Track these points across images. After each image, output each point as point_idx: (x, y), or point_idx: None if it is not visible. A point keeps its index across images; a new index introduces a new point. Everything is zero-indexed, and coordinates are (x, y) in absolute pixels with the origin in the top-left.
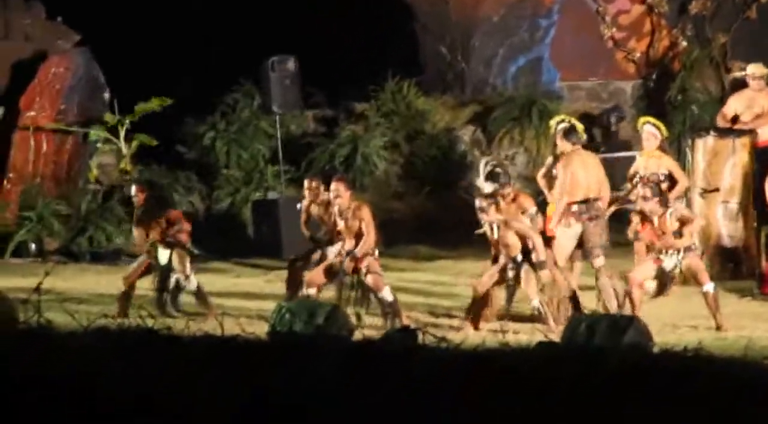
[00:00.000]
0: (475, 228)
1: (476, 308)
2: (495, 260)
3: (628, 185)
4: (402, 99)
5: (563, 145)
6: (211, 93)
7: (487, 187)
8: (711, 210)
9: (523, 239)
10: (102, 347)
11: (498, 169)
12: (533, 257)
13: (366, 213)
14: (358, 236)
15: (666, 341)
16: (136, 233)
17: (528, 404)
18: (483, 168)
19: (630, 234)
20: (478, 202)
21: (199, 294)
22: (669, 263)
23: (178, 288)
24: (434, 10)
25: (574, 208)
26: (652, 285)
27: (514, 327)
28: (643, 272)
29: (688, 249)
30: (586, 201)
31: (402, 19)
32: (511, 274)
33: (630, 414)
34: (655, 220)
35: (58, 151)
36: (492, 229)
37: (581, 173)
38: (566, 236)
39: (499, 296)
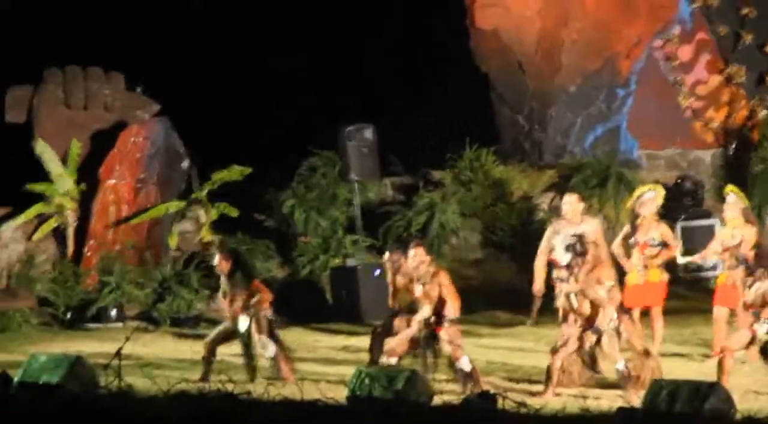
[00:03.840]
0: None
1: (553, 375)
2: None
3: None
4: (480, 167)
5: None
6: (289, 161)
7: (565, 258)
8: None
9: (596, 307)
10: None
11: (576, 241)
12: (597, 322)
13: (445, 278)
14: (435, 302)
15: (749, 408)
16: (222, 303)
17: None
18: (561, 240)
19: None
20: (555, 273)
21: (277, 362)
22: (762, 330)
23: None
24: (511, 79)
25: None
26: (741, 353)
27: (595, 393)
28: (739, 341)
29: None
30: None
31: (479, 89)
32: (590, 340)
33: None
34: (743, 289)
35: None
36: (569, 299)
37: None
38: None
39: (577, 362)
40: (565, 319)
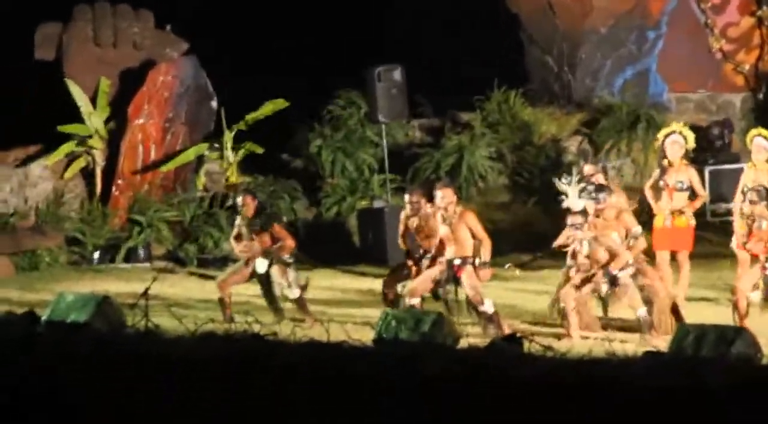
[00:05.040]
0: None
1: (569, 316)
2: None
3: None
4: (508, 109)
5: None
6: (317, 102)
7: (579, 205)
8: None
9: (613, 254)
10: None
11: (588, 187)
12: (611, 267)
13: (473, 219)
14: (460, 243)
15: None
16: (236, 243)
17: (633, 414)
18: (572, 187)
19: (738, 241)
20: (570, 220)
21: (300, 303)
22: None
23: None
24: (541, 20)
25: None
26: (756, 295)
27: (621, 336)
28: (749, 281)
29: None
30: None
31: (509, 29)
32: (605, 287)
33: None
34: (764, 224)
35: (167, 158)
36: (581, 245)
37: None
38: None
39: (592, 306)
40: (572, 258)
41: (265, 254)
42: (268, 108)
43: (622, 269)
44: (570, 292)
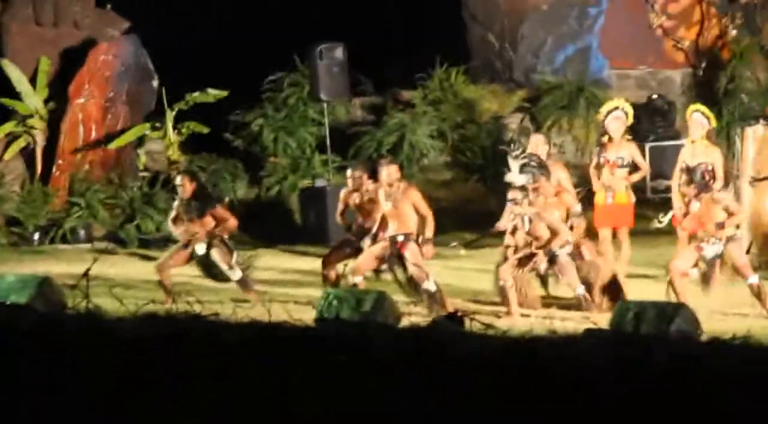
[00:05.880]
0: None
1: (508, 294)
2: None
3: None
4: (450, 87)
5: None
6: (258, 81)
7: (520, 180)
8: (760, 199)
9: (553, 231)
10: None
11: (531, 163)
12: (551, 245)
13: (417, 195)
14: (403, 220)
15: (714, 329)
16: (175, 225)
17: (574, 391)
18: (515, 161)
19: (660, 221)
20: (510, 194)
21: (243, 284)
22: (710, 251)
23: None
24: None
25: None
26: (694, 272)
27: (562, 315)
28: (685, 261)
29: (731, 239)
30: None
31: (451, 7)
32: (544, 265)
33: (678, 401)
34: (696, 206)
35: (108, 138)
36: (522, 221)
37: None
38: None
39: (534, 284)
40: (512, 235)
41: (207, 235)
42: (210, 96)
43: (561, 247)
44: (508, 269)
